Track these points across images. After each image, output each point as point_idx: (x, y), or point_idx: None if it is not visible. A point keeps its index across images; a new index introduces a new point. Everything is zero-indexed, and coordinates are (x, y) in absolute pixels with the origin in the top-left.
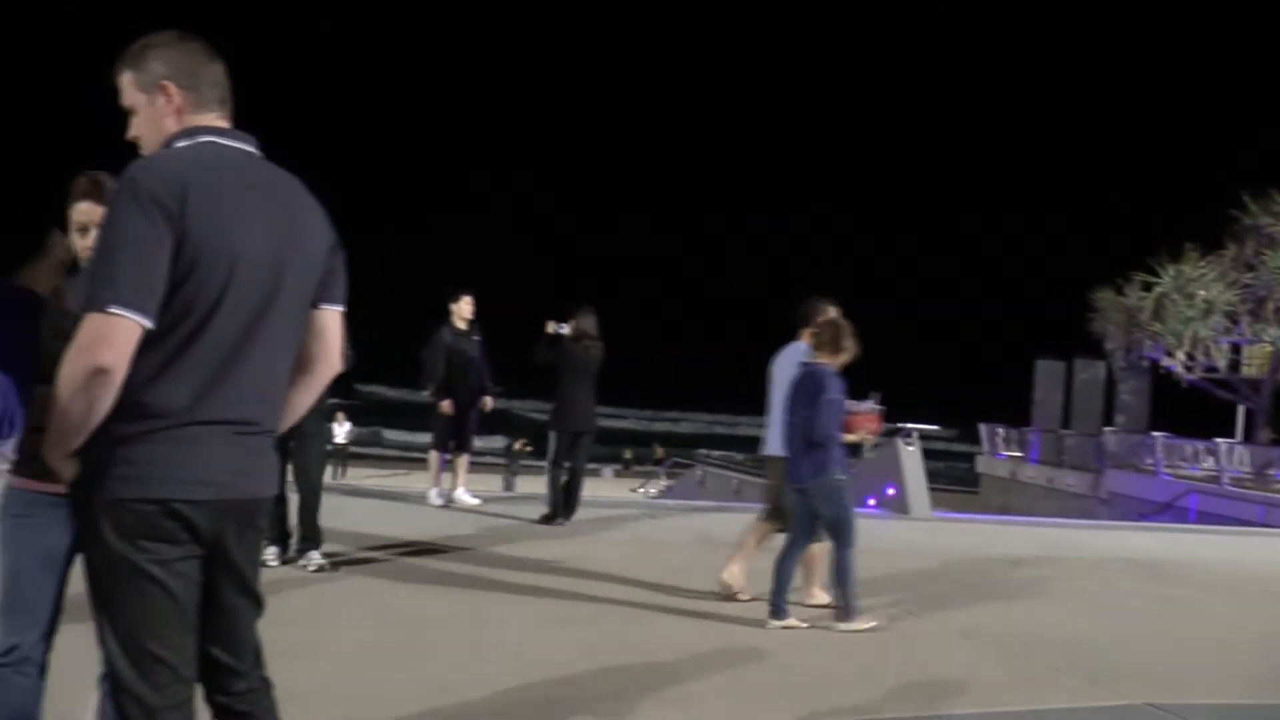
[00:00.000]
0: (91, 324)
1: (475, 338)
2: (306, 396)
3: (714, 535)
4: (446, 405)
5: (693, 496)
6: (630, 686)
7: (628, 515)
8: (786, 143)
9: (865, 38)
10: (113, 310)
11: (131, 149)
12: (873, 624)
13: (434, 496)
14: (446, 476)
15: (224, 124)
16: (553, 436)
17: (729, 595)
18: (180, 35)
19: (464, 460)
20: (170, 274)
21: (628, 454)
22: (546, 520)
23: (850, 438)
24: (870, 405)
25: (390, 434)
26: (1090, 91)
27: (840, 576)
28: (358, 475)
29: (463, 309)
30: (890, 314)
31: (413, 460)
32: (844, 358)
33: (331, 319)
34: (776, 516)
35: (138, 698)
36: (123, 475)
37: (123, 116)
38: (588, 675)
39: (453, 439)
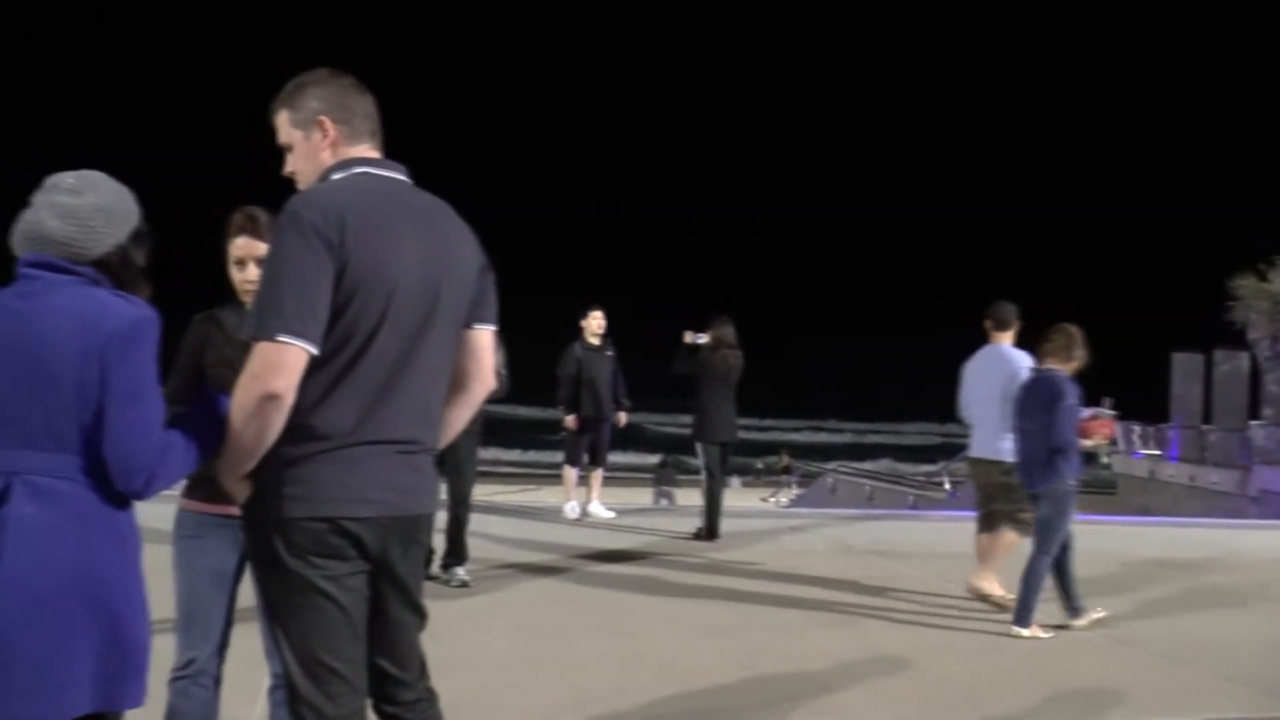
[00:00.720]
0: (262, 352)
1: (608, 353)
2: (462, 414)
3: (853, 544)
4: (571, 421)
5: (825, 504)
6: (781, 697)
7: (765, 525)
8: (897, 146)
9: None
10: (281, 338)
11: (287, 185)
12: (1048, 635)
13: (569, 510)
14: (581, 490)
15: (376, 154)
16: (701, 448)
17: (995, 603)
18: (332, 71)
19: (598, 474)
20: (333, 301)
21: (759, 464)
22: (703, 536)
23: (1086, 444)
24: (1103, 411)
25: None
26: (1222, 69)
27: (1030, 580)
28: (484, 491)
29: (592, 324)
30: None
31: (536, 476)
32: (1075, 365)
33: (484, 338)
34: (992, 520)
35: (315, 708)
36: (293, 495)
37: (278, 153)
38: (738, 686)
39: (587, 453)
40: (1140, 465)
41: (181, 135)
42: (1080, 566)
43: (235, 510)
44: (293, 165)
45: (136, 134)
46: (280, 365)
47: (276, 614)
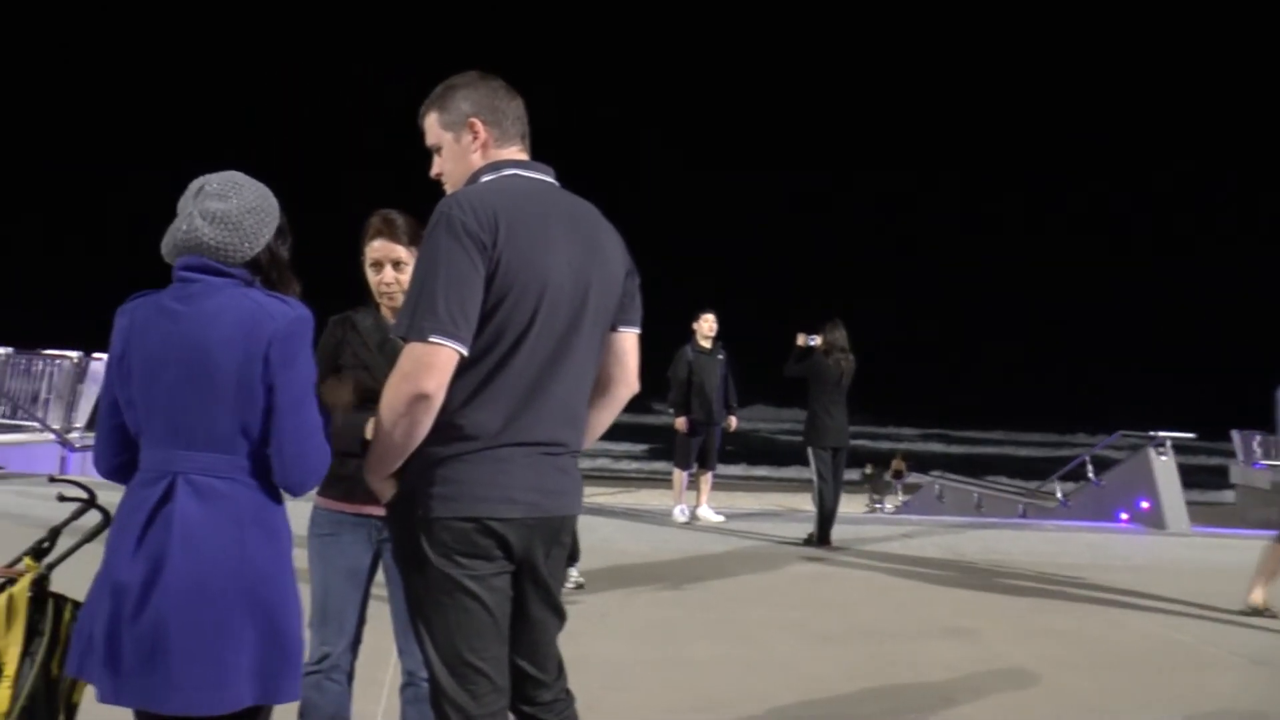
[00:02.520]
0: (413, 352)
1: (719, 356)
2: (606, 417)
3: (964, 551)
4: (681, 423)
5: (931, 512)
6: (903, 708)
7: (875, 532)
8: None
9: None
10: (433, 339)
11: (430, 189)
12: None
13: (678, 513)
14: (690, 493)
15: (525, 156)
16: (811, 453)
17: (1269, 613)
18: (481, 74)
19: (708, 478)
20: (484, 303)
21: (868, 469)
22: (814, 541)
23: None
24: None
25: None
26: None
27: None
28: (588, 493)
29: (704, 327)
30: (1125, 316)
31: (639, 479)
32: None
33: (629, 341)
34: None
35: (459, 706)
36: (440, 495)
37: (424, 156)
38: (859, 695)
39: (697, 457)
40: (1261, 476)
41: (316, 138)
42: (1204, 581)
43: (370, 509)
44: (441, 167)
45: (275, 135)
46: (431, 365)
47: (421, 612)
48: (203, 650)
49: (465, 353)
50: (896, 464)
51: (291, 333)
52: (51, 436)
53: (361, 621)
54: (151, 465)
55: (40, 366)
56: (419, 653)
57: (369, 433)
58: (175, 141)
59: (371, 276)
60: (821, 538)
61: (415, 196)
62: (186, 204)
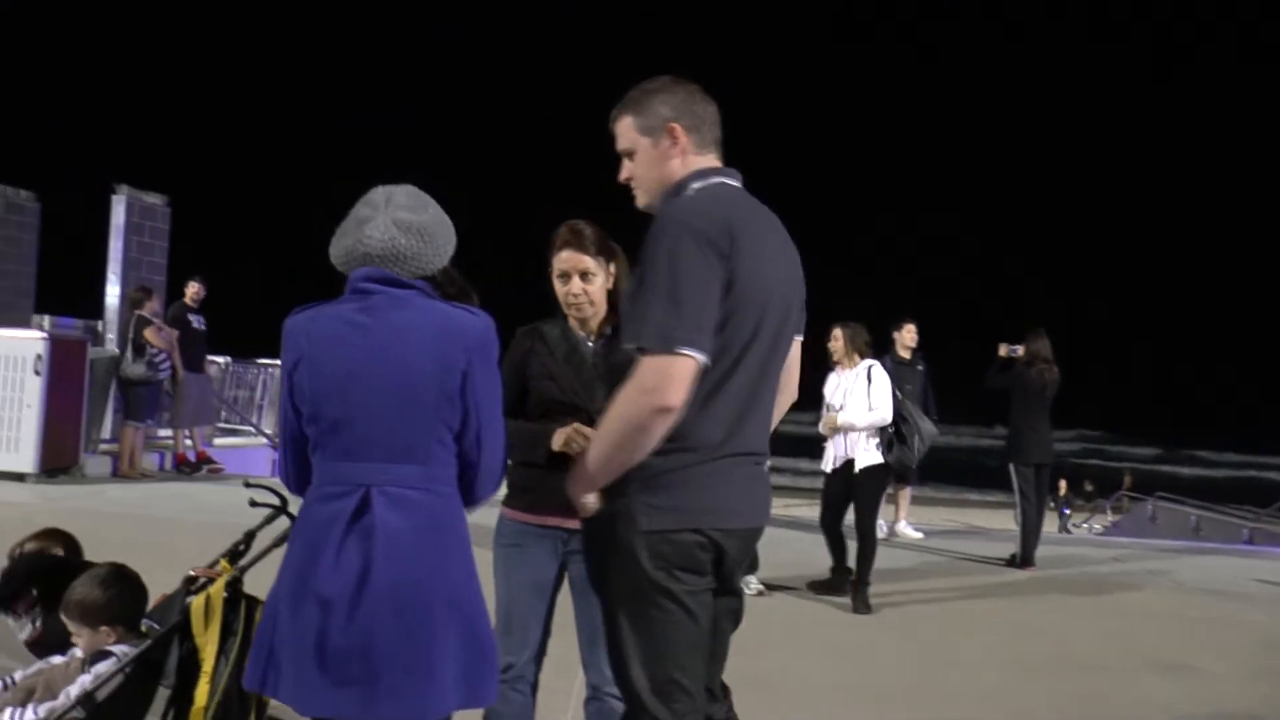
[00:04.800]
0: (658, 365)
1: (919, 367)
2: (773, 425)
3: (1182, 579)
4: None
5: (1144, 534)
6: None
7: (1082, 553)
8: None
9: None
10: (682, 350)
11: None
12: None
13: (877, 528)
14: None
15: (720, 164)
16: (1015, 470)
17: None
18: (676, 79)
19: (906, 493)
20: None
21: (1089, 486)
22: (1017, 562)
23: None
24: None
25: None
26: None
27: None
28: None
29: (905, 337)
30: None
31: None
32: None
33: (796, 349)
34: None
35: None
36: (662, 507)
37: (607, 161)
38: None
39: (896, 470)
40: None
41: (503, 147)
42: None
43: (555, 520)
44: (633, 172)
45: (461, 148)
46: (678, 378)
47: (630, 627)
48: (413, 658)
49: (708, 364)
50: (1127, 481)
51: (486, 343)
52: (265, 440)
53: (546, 633)
54: (341, 478)
55: (255, 375)
56: (605, 667)
57: (556, 444)
58: (365, 154)
59: (559, 288)
60: (1025, 558)
61: (598, 207)
62: (373, 213)
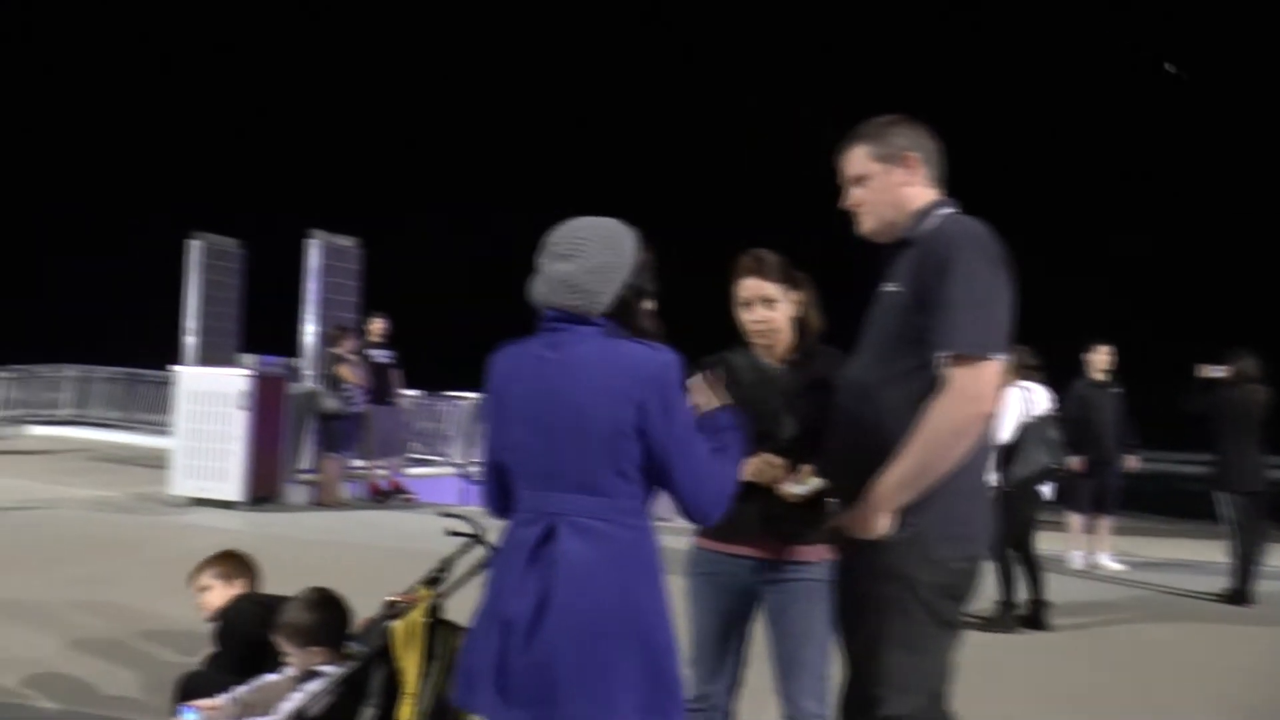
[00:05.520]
0: (978, 371)
1: (1113, 390)
2: None
3: None
4: (1076, 463)
5: None
6: None
7: None
8: None
9: None
10: (995, 356)
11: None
12: None
13: (1076, 560)
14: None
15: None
16: (1225, 499)
17: None
18: (906, 116)
19: (1106, 523)
20: None
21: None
22: (1232, 598)
23: None
24: None
25: None
26: None
27: None
28: None
29: (1099, 360)
30: None
31: None
32: None
33: None
34: None
35: None
36: (950, 535)
37: (821, 186)
38: None
39: (1093, 500)
40: None
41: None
42: None
43: (747, 550)
44: (862, 198)
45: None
46: (993, 385)
47: (900, 654)
48: (591, 687)
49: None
50: None
51: (662, 378)
52: (454, 470)
53: (740, 663)
54: (530, 506)
55: (443, 407)
56: (801, 698)
57: (747, 473)
58: (554, 181)
59: (742, 315)
60: (1240, 594)
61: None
62: (540, 260)
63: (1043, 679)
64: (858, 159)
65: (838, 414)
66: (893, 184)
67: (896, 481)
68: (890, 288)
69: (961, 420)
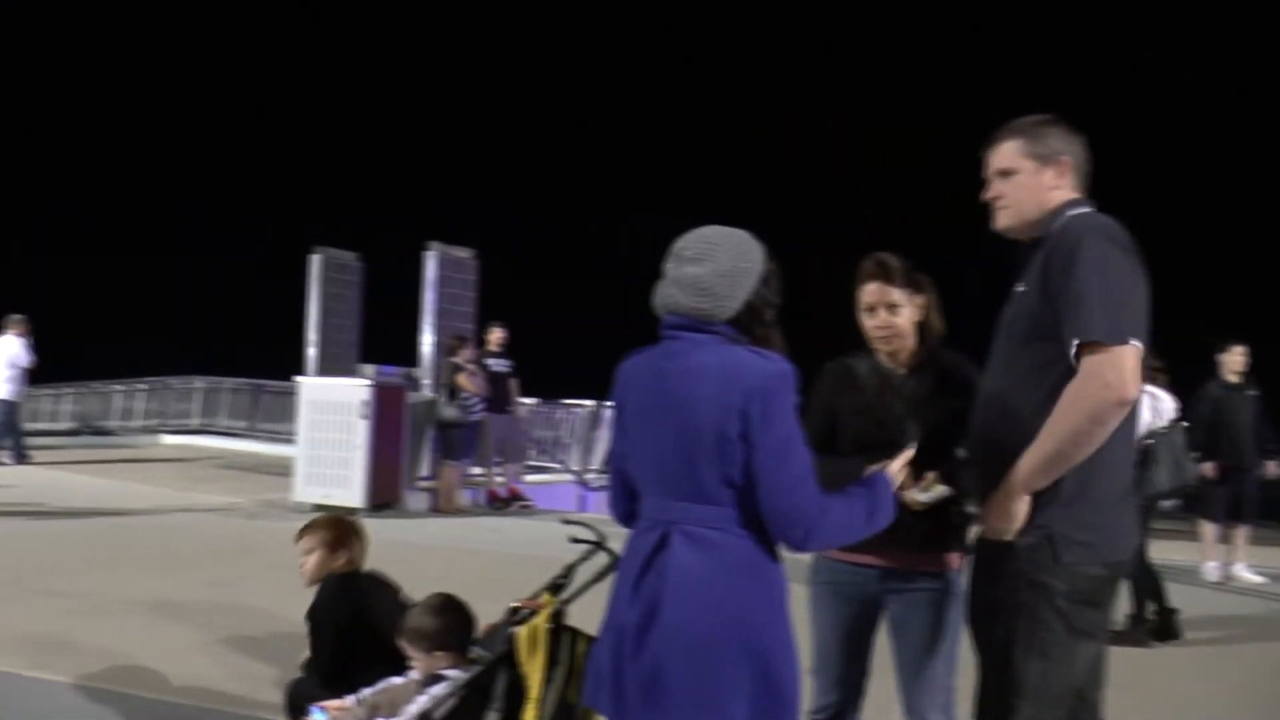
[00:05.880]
0: (1116, 358)
1: (1250, 392)
2: None
3: None
4: (1209, 469)
5: None
6: None
7: None
8: None
9: None
10: (1134, 342)
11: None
12: None
13: (1210, 571)
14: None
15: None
16: None
17: None
18: (1061, 118)
19: (1242, 532)
20: None
21: None
22: None
23: None
24: None
25: None
26: None
27: None
28: None
29: (1233, 361)
30: None
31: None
32: None
33: None
34: None
35: None
36: (1081, 541)
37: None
38: None
39: (1229, 508)
40: None
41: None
42: None
43: (870, 559)
44: (1006, 191)
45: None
46: (1135, 370)
47: (1030, 663)
48: (700, 695)
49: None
50: None
51: (768, 388)
52: (571, 477)
53: (863, 673)
54: (648, 514)
55: (560, 415)
56: (926, 710)
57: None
58: (674, 184)
59: (866, 321)
60: None
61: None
62: (668, 265)
63: (1170, 695)
64: (1007, 153)
65: (975, 422)
66: (1041, 184)
67: (1031, 466)
68: (1020, 288)
69: (1098, 406)
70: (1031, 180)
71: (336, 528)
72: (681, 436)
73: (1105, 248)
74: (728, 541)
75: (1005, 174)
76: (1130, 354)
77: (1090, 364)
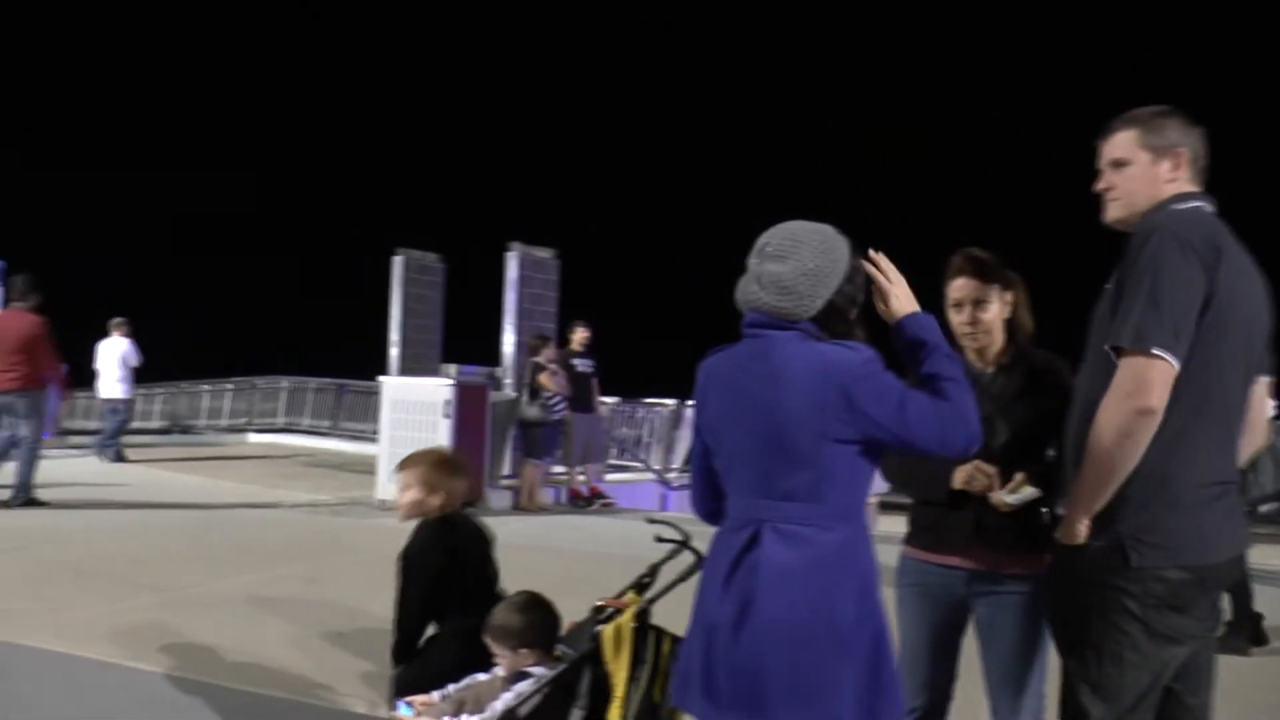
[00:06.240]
0: (1134, 366)
1: None
2: None
3: None
4: None
5: None
6: None
7: None
8: None
9: None
10: (1156, 351)
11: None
12: None
13: None
14: None
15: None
16: None
17: None
18: (1181, 110)
19: None
20: (1195, 332)
21: None
22: None
23: None
24: None
25: None
26: None
27: None
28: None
29: None
30: None
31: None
32: None
33: (1261, 389)
34: None
35: None
36: (1154, 544)
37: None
38: None
39: None
40: None
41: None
42: None
43: (956, 560)
44: (1119, 182)
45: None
46: (1154, 380)
47: (1103, 667)
48: (801, 692)
49: (1178, 368)
50: None
51: (865, 373)
52: (652, 476)
53: (950, 677)
54: (737, 513)
55: (642, 414)
56: (1014, 714)
57: (957, 481)
58: (752, 188)
59: (953, 318)
60: None
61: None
62: (751, 260)
63: (1275, 706)
64: (1123, 143)
65: (1068, 424)
66: (1157, 176)
67: (1081, 485)
68: (1108, 285)
69: (1120, 418)
70: (1146, 172)
71: (437, 468)
72: (772, 434)
73: (1166, 248)
74: (820, 537)
75: (1119, 165)
76: (1153, 366)
77: (1118, 374)
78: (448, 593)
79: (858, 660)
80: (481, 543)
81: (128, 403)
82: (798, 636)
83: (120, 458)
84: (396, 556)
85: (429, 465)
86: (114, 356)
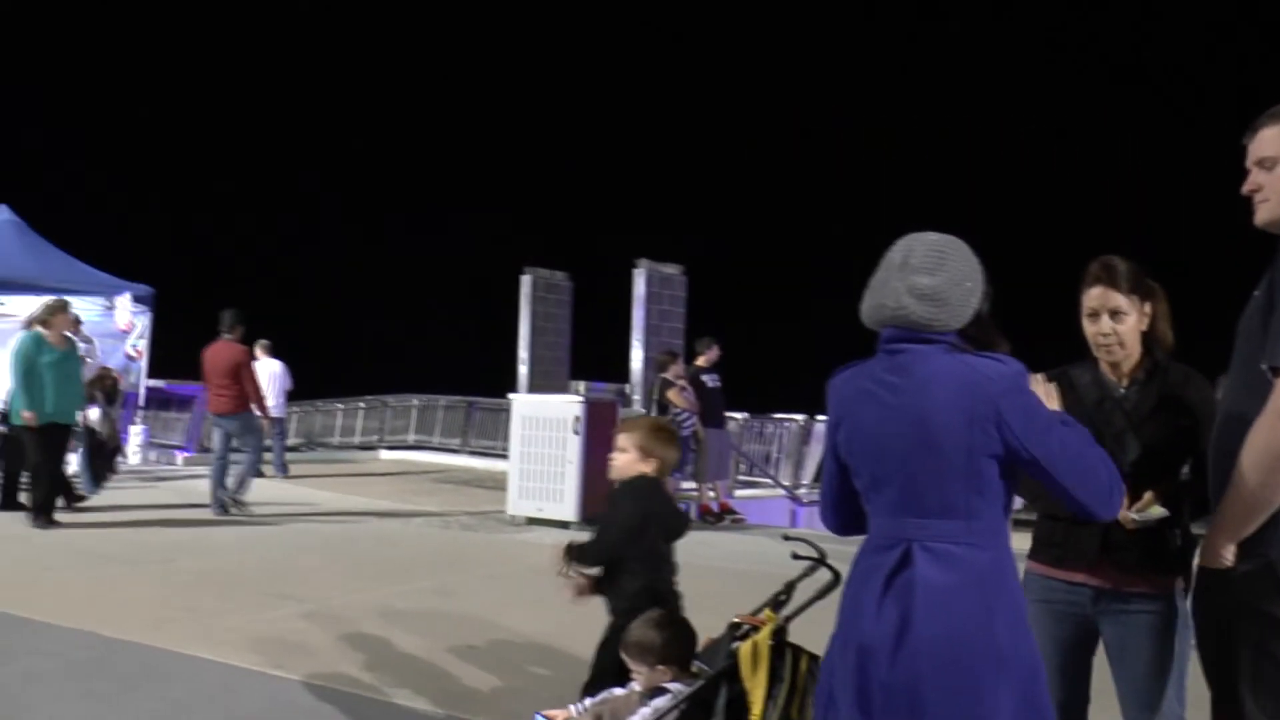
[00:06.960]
0: None
1: None
2: None
3: None
4: None
5: None
6: None
7: None
8: None
9: None
10: None
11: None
12: None
13: None
14: None
15: None
16: None
17: None
18: None
19: None
20: None
21: None
22: None
23: None
24: None
25: None
26: None
27: None
28: None
29: None
30: None
31: None
32: None
33: None
34: None
35: None
36: None
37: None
38: None
39: None
40: None
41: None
42: None
43: (1081, 577)
44: (1266, 183)
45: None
46: None
47: (1250, 701)
48: (961, 713)
49: None
50: None
51: (1015, 387)
52: (782, 492)
53: (1083, 698)
54: (884, 531)
55: (771, 429)
56: None
57: None
58: (877, 198)
59: (1088, 327)
60: None
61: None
62: (890, 275)
63: None
64: (1272, 140)
65: (1212, 439)
66: None
67: (1227, 512)
68: (1256, 292)
69: (1272, 440)
70: None
71: (654, 435)
72: (923, 452)
73: None
74: (972, 556)
75: (1266, 164)
76: None
77: (1272, 393)
78: (639, 539)
79: (1016, 683)
80: (678, 515)
81: (281, 421)
82: (959, 656)
83: (260, 473)
84: (606, 495)
85: (646, 431)
86: (267, 377)
